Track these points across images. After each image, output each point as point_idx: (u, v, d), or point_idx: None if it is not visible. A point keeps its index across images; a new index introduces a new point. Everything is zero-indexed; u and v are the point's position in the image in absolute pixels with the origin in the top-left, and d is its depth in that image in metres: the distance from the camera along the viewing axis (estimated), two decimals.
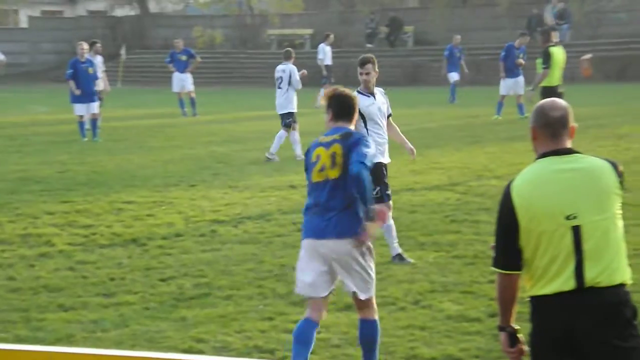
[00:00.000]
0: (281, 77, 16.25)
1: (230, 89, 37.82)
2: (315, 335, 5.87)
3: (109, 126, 21.21)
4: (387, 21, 42.87)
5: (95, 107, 19.43)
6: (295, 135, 16.13)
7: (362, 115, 8.42)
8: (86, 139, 19.24)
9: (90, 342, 6.56)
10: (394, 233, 8.89)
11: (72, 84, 19.42)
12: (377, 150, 7.72)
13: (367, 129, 8.56)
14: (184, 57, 25.85)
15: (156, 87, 38.27)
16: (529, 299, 3.98)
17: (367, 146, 5.79)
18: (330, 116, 6.02)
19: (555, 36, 15.54)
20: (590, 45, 38.20)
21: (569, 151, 4.01)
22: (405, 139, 9.24)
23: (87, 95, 19.33)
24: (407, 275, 8.25)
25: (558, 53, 14.87)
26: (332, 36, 29.80)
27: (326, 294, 5.85)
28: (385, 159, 8.79)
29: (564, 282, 3.85)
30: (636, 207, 10.81)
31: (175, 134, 20.81)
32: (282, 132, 16.10)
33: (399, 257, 8.80)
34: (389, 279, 8.14)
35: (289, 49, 17.64)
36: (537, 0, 42.08)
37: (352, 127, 6.00)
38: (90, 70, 19.46)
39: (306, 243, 5.91)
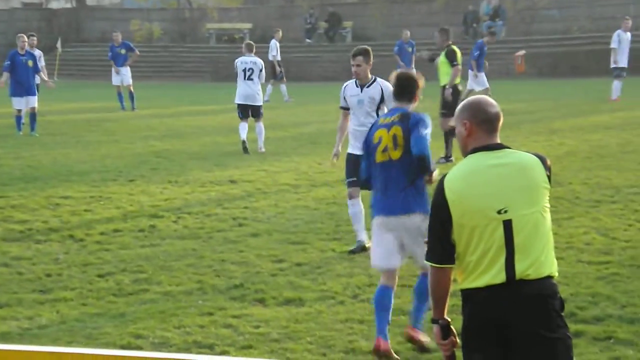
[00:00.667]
0: (252, 69, 16.44)
1: (169, 83, 37.52)
2: (392, 299, 6.33)
3: (45, 120, 20.89)
4: (326, 16, 42.99)
5: (34, 100, 19.15)
6: (249, 125, 16.40)
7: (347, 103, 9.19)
8: (21, 133, 18.93)
9: (27, 339, 6.48)
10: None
11: (5, 76, 19.13)
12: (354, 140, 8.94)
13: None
14: (122, 51, 25.62)
15: (93, 80, 37.76)
16: (460, 291, 4.06)
17: (426, 127, 6.34)
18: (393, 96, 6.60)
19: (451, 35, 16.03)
20: (524, 41, 38.87)
21: (499, 146, 4.09)
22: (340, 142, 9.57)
23: (26, 88, 19.04)
24: (346, 270, 8.32)
25: (458, 51, 15.37)
26: (280, 32, 29.87)
27: (398, 265, 6.38)
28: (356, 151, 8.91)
29: (495, 275, 3.94)
30: (568, 201, 11.06)
31: (114, 128, 20.60)
32: (261, 125, 16.37)
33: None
34: (328, 273, 8.21)
35: (250, 42, 17.81)
36: None
37: (412, 107, 6.51)
38: (30, 63, 19.17)
39: (377, 220, 6.40)
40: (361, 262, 8.56)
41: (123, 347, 6.33)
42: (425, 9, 43.17)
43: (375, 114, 8.92)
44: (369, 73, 8.98)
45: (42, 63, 21.49)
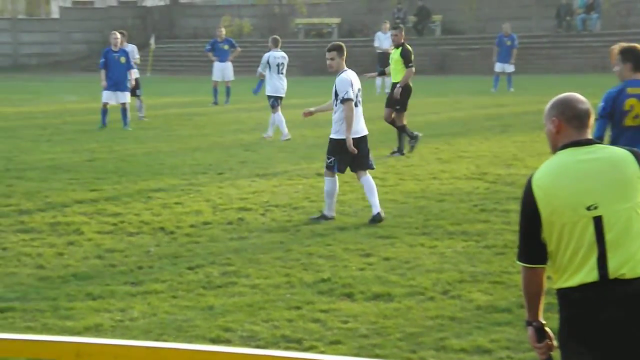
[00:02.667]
0: (283, 63, 17.92)
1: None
2: None
3: (138, 115, 21.29)
4: (415, 10, 42.71)
5: (124, 96, 19.49)
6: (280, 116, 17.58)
7: None
8: (101, 127, 19.26)
9: (119, 331, 6.56)
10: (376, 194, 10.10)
11: (102, 74, 19.58)
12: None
13: None
14: (226, 47, 25.83)
15: (185, 75, 38.36)
16: (556, 291, 3.92)
17: None
18: (629, 67, 7.48)
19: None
20: (620, 34, 37.75)
21: (590, 142, 3.97)
22: (319, 110, 10.75)
23: (116, 84, 19.42)
24: (436, 265, 8.19)
25: (411, 51, 15.35)
26: (387, 23, 29.90)
27: None
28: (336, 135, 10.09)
29: (587, 273, 3.79)
30: None
31: (204, 122, 20.85)
32: (280, 113, 17.62)
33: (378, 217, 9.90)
34: (416, 268, 8.09)
35: (277, 37, 19.13)
36: None
37: None
38: (123, 59, 19.55)
39: None
40: (451, 258, 8.42)
41: (212, 340, 6.35)
42: (517, 2, 42.42)
43: (335, 100, 10.02)
44: (342, 66, 10.06)
45: (135, 56, 21.92)
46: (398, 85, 15.24)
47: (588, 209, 3.80)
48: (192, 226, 9.88)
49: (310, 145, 16.43)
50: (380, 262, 8.31)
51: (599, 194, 3.82)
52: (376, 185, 12.26)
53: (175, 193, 11.76)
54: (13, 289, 7.58)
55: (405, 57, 15.12)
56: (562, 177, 3.87)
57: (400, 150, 15.00)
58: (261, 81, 18.56)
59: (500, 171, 13.15)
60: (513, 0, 42.86)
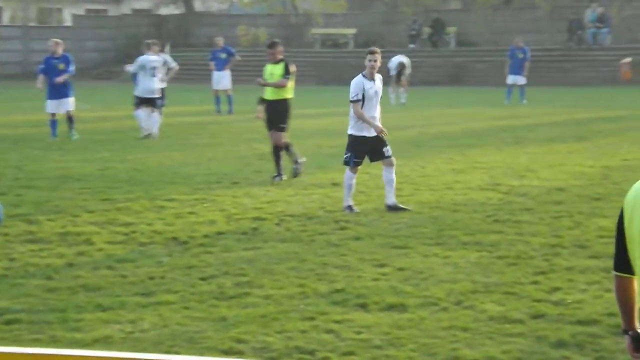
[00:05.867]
0: (157, 67, 19.53)
1: None
2: None
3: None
4: (430, 22, 42.75)
5: (69, 103, 19.10)
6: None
7: (362, 96, 10.75)
8: (55, 139, 18.84)
9: (129, 343, 6.50)
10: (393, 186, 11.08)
11: (39, 78, 19.34)
12: (362, 125, 10.78)
13: (362, 106, 10.77)
14: (223, 55, 26.10)
15: (200, 84, 38.43)
16: None
17: None
18: None
19: None
20: (630, 49, 37.75)
21: None
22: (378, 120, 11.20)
23: (58, 91, 19.04)
24: (449, 275, 8.13)
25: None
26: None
27: None
28: (371, 133, 10.89)
29: None
30: None
31: (218, 131, 20.87)
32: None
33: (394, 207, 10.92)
34: (430, 278, 8.02)
35: (153, 40, 21.28)
36: (577, 4, 41.88)
37: None
38: (62, 66, 19.00)
39: None
40: (465, 268, 8.35)
41: (225, 352, 6.29)
42: (530, 15, 42.53)
43: (375, 100, 10.88)
44: None
45: (172, 65, 22.30)
46: (270, 86, 13.83)
47: None
48: (205, 236, 9.84)
49: (326, 154, 16.39)
50: (395, 273, 8.25)
51: None
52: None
53: (189, 202, 11.73)
54: (20, 300, 7.46)
55: (286, 70, 13.77)
56: None
57: (280, 175, 13.58)
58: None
59: (513, 182, 13.08)
60: (526, 13, 42.95)
